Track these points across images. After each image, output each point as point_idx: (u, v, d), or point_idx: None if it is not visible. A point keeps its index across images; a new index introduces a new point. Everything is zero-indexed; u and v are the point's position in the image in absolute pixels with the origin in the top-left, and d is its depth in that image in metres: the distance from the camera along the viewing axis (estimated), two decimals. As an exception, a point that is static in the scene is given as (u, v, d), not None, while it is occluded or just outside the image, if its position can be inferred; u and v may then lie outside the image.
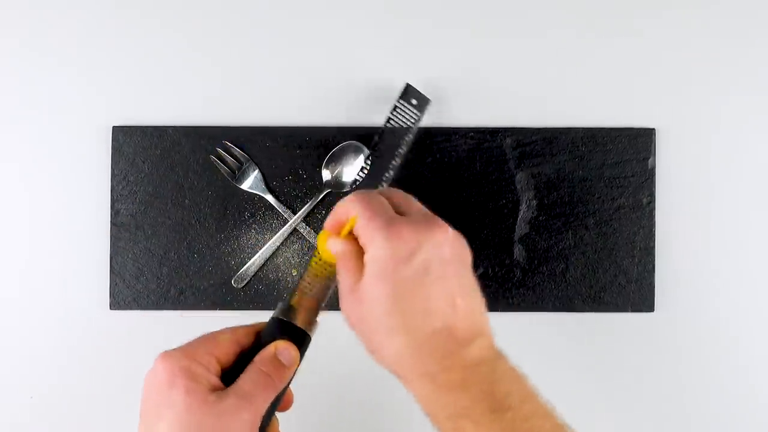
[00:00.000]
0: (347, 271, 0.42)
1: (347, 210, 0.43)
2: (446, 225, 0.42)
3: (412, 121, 0.57)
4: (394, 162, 0.56)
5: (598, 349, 0.64)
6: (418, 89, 0.59)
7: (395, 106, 0.57)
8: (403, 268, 0.40)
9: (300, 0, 0.65)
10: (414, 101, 0.58)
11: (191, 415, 0.39)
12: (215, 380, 0.41)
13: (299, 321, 0.46)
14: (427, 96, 0.59)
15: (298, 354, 0.44)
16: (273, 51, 0.65)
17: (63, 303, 0.64)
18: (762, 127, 0.64)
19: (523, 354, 0.65)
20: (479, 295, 0.43)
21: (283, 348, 0.44)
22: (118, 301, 0.63)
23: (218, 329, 0.44)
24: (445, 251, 0.41)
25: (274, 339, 0.44)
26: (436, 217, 0.43)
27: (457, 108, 0.64)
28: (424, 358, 0.39)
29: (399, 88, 0.64)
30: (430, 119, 0.64)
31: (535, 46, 0.65)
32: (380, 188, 0.46)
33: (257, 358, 0.43)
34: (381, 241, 0.40)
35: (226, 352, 0.43)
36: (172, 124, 0.64)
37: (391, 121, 0.57)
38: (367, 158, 0.56)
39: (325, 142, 0.63)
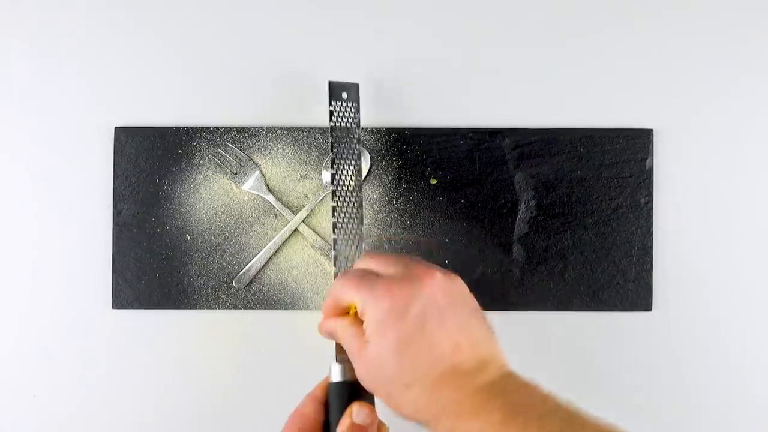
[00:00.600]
0: (350, 340, 0.44)
1: (337, 291, 0.45)
2: (433, 270, 0.44)
3: (353, 113, 0.57)
4: (355, 163, 0.56)
5: (596, 348, 0.64)
6: (340, 81, 0.58)
7: (331, 111, 0.56)
8: (400, 324, 0.41)
9: (301, 3, 0.66)
10: (344, 94, 0.58)
11: None
12: None
13: (351, 374, 0.46)
14: (352, 81, 0.58)
15: (371, 406, 0.46)
16: (275, 53, 0.65)
17: (66, 302, 0.64)
18: (758, 128, 0.65)
19: (522, 352, 0.65)
20: (484, 324, 0.44)
21: (356, 413, 0.46)
22: (120, 300, 0.64)
23: (301, 403, 0.48)
24: (438, 297, 0.42)
25: (342, 403, 0.46)
26: (422, 264, 0.44)
27: (457, 109, 0.65)
28: (436, 398, 0.40)
29: (398, 88, 0.65)
30: (430, 120, 0.65)
31: (533, 48, 0.65)
32: (358, 258, 0.48)
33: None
34: (374, 303, 0.42)
35: (315, 418, 0.47)
36: (174, 125, 0.64)
37: (337, 125, 0.56)
38: (335, 163, 0.56)
39: (325, 143, 0.64)
